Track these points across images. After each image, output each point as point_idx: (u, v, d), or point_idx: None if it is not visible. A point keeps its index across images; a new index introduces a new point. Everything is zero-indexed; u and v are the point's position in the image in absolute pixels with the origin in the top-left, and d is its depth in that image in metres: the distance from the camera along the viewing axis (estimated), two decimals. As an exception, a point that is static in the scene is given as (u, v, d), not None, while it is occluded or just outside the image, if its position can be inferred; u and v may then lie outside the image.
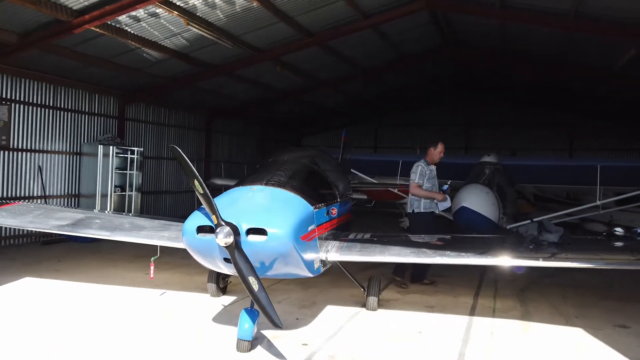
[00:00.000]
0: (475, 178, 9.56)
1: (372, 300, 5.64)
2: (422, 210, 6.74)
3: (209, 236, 4.16)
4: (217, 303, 5.88)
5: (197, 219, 4.33)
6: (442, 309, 5.96)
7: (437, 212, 6.94)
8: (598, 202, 9.42)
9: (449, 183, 6.89)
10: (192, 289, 6.56)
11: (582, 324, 5.49)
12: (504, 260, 4.87)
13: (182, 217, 5.17)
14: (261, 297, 3.90)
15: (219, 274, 6.03)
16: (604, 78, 12.29)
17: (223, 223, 3.97)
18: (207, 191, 4.08)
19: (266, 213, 4.23)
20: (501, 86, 18.55)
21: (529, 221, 6.27)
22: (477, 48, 13.87)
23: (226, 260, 4.24)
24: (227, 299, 6.09)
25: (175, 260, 7.63)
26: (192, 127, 15.43)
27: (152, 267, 5.90)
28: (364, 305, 5.79)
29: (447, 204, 6.82)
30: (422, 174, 6.76)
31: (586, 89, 14.72)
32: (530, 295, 6.70)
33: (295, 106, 17.79)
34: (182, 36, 9.63)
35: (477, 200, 8.57)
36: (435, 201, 6.71)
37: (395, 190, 12.25)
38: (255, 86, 13.99)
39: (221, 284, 6.22)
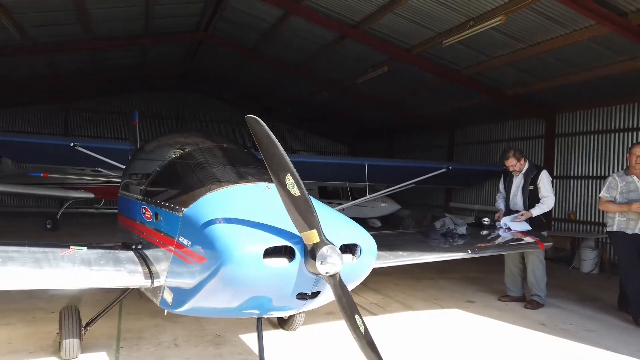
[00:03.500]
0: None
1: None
2: None
3: (283, 262, 2.62)
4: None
5: (256, 236, 2.64)
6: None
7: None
8: (368, 197, 10.87)
9: None
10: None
11: (445, 304, 6.40)
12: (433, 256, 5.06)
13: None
14: (370, 340, 2.76)
15: (80, 324, 3.91)
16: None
17: (327, 241, 2.59)
18: (307, 193, 2.58)
19: (346, 223, 2.98)
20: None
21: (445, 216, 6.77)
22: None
23: (302, 296, 2.79)
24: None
25: None
26: None
27: None
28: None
29: None
30: None
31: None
32: (389, 286, 7.12)
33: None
34: None
35: None
36: None
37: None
38: None
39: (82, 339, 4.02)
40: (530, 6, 7.31)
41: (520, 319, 5.86)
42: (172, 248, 3.30)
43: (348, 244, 2.82)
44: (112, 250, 3.93)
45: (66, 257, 3.64)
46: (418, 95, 12.86)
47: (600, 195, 6.02)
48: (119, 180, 9.85)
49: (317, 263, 2.54)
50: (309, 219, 2.55)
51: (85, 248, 3.85)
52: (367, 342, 2.73)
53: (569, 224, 10.73)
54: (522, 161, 6.48)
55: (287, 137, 20.28)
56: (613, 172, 9.77)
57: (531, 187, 6.36)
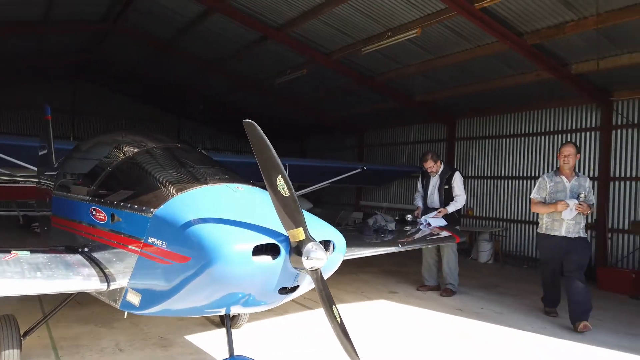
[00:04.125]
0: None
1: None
2: None
3: (268, 259, 2.74)
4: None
5: (243, 234, 2.73)
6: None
7: None
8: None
9: None
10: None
11: (372, 295, 6.86)
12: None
13: None
14: (344, 329, 2.98)
15: (20, 334, 3.70)
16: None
17: (312, 238, 2.76)
18: (295, 194, 2.72)
19: (319, 221, 3.15)
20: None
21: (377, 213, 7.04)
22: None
23: (283, 291, 2.93)
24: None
25: None
26: None
27: None
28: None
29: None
30: None
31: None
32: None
33: None
34: None
35: None
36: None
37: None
38: None
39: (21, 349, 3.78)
40: (444, 22, 8.05)
41: (439, 305, 6.48)
42: (138, 249, 3.26)
43: (323, 241, 3.03)
44: (58, 254, 3.74)
45: (11, 262, 3.42)
46: (333, 98, 13.36)
47: (531, 196, 5.98)
48: (18, 179, 9.19)
49: (303, 259, 2.72)
50: (295, 218, 2.73)
51: (28, 252, 3.64)
52: (342, 330, 2.97)
53: (467, 219, 11.88)
54: (439, 163, 7.16)
55: (195, 135, 19.80)
56: (505, 173, 11.12)
57: (446, 187, 7.05)
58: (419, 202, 7.37)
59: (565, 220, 5.58)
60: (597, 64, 7.88)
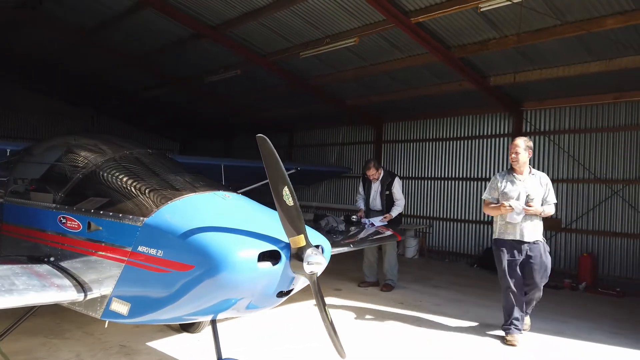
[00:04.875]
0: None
1: None
2: None
3: (269, 264, 2.87)
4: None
5: (248, 242, 2.83)
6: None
7: None
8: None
9: None
10: None
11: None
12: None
13: None
14: (334, 327, 3.20)
15: None
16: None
17: (311, 244, 2.94)
18: (298, 203, 2.87)
19: (309, 227, 3.30)
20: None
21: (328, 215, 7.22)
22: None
23: (280, 294, 3.07)
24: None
25: None
26: None
27: None
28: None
29: None
30: None
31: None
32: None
33: None
34: None
35: None
36: None
37: None
38: None
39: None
40: (381, 33, 8.53)
41: (382, 300, 6.93)
42: (125, 258, 3.25)
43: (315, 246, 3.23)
44: (26, 265, 3.58)
45: (-21, 275, 3.24)
46: (265, 99, 13.44)
47: (483, 197, 5.51)
48: None
49: (304, 264, 2.92)
50: (297, 225, 2.91)
51: None
52: (332, 329, 3.21)
53: (394, 217, 12.55)
54: (380, 170, 7.64)
55: (113, 132, 18.78)
56: (429, 174, 11.94)
57: (387, 192, 7.53)
58: (361, 205, 7.78)
59: (519, 223, 5.04)
60: (514, 78, 8.80)
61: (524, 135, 10.11)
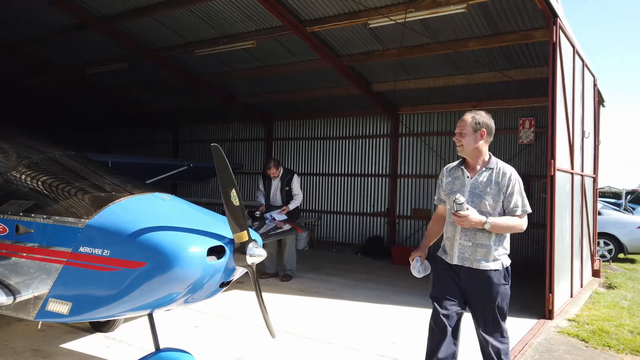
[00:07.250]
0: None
1: None
2: None
3: (214, 259, 3.18)
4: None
5: (196, 239, 3.11)
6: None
7: None
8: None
9: None
10: None
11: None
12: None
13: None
14: (267, 312, 3.63)
15: None
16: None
17: (252, 239, 3.31)
18: (242, 203, 3.20)
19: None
20: None
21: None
22: None
23: (222, 285, 3.39)
24: None
25: None
26: None
27: None
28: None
29: None
30: None
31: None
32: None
33: None
34: None
35: None
36: None
37: None
38: None
39: None
40: (277, 38, 9.02)
41: (284, 289, 7.48)
42: (63, 259, 3.34)
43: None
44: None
45: None
46: (150, 92, 13.11)
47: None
48: None
49: (247, 256, 3.32)
50: (241, 223, 3.30)
51: None
52: (267, 313, 3.67)
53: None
54: (280, 169, 8.15)
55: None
56: (317, 170, 12.75)
57: (287, 188, 8.09)
58: (261, 200, 8.23)
59: (457, 240, 3.30)
60: (394, 86, 9.92)
61: (400, 136, 11.42)
